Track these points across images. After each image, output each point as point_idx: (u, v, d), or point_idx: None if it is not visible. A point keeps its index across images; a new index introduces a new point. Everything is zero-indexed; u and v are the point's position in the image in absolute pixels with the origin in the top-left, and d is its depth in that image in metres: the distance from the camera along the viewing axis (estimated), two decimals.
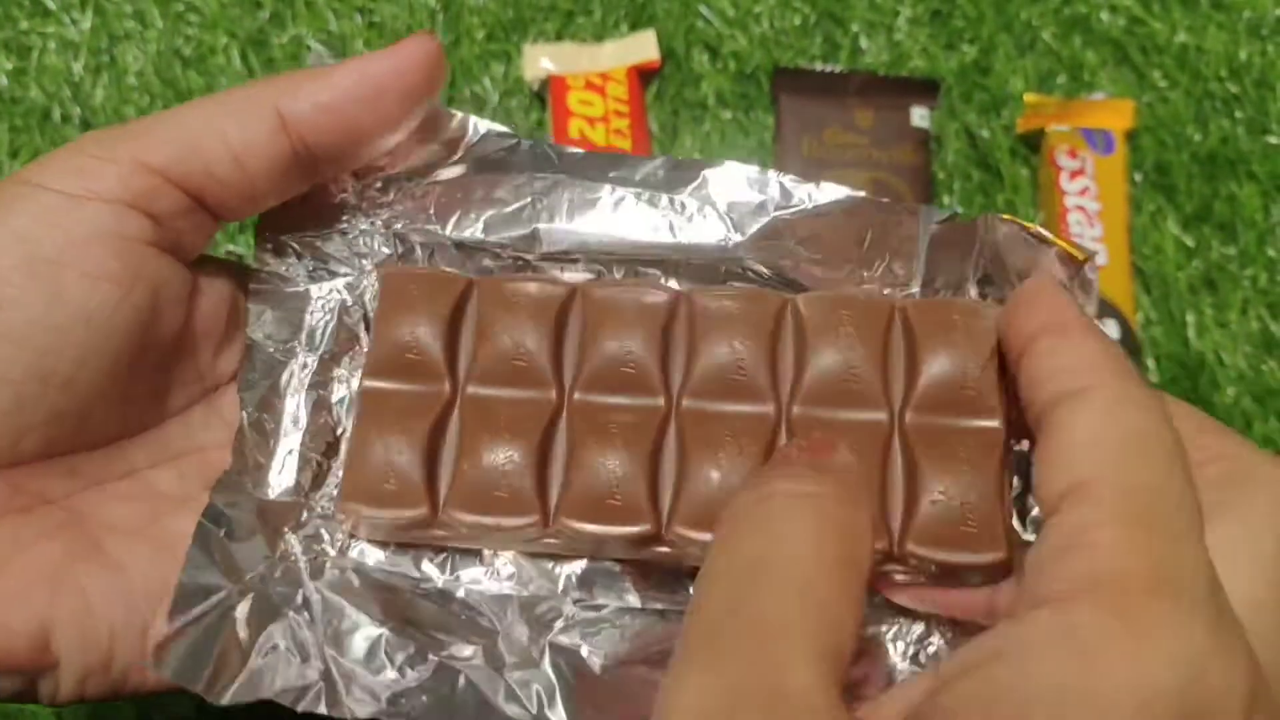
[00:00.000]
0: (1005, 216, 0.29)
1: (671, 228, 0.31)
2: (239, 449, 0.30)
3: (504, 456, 0.29)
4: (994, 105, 0.51)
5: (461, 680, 0.28)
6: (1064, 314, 0.26)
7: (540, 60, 0.50)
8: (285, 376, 0.31)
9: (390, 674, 0.28)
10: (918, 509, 0.28)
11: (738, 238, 0.31)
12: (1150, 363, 0.47)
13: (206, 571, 0.28)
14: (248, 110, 0.27)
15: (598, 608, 0.30)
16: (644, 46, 0.50)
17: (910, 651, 0.29)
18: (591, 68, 0.49)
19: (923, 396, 0.29)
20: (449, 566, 0.30)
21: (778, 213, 0.30)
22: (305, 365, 0.31)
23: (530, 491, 0.29)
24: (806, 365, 0.29)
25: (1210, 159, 0.49)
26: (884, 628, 0.30)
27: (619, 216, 0.31)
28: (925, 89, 0.50)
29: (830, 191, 0.30)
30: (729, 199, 0.31)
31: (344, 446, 0.31)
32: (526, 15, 0.51)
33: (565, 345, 0.30)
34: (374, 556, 0.30)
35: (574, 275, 0.32)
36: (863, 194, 0.30)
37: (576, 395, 0.30)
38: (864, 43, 0.52)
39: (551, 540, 0.29)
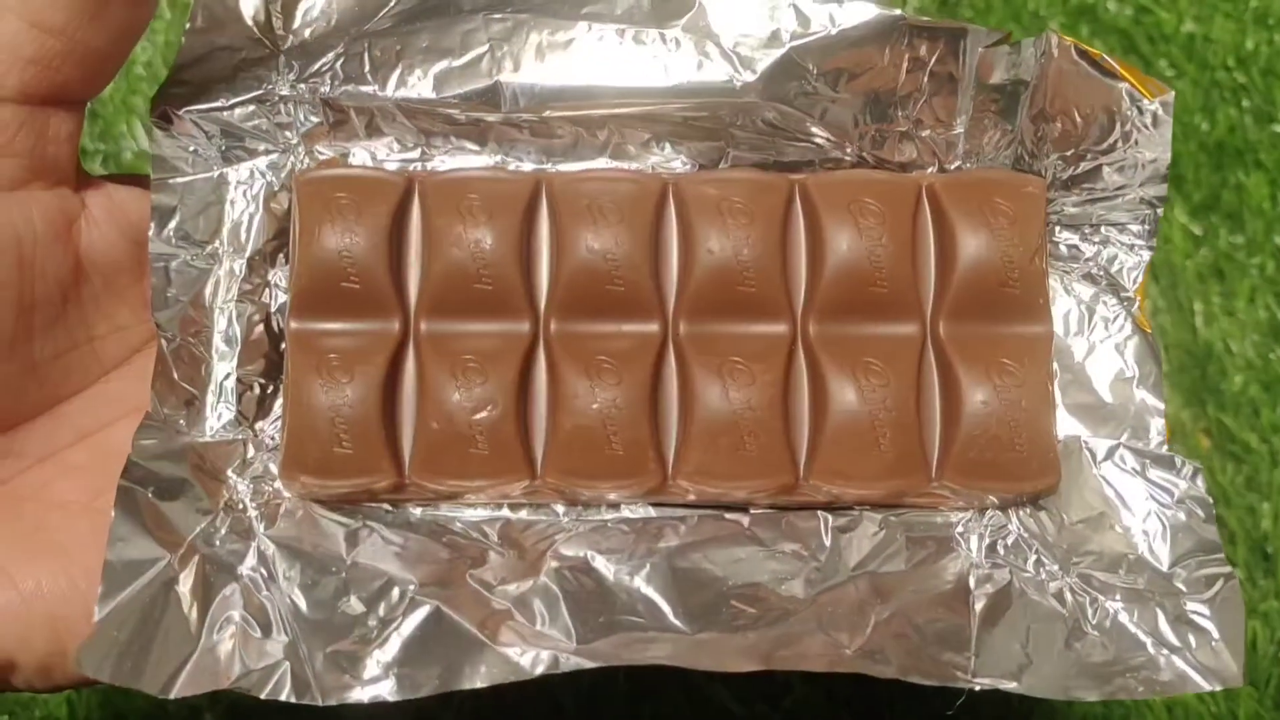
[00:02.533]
0: (1067, 40, 0.25)
1: (665, 70, 0.25)
2: (162, 385, 0.25)
3: (478, 405, 0.24)
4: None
5: (438, 614, 0.23)
6: None
7: None
8: (209, 288, 0.26)
9: (359, 631, 0.23)
10: (957, 434, 0.25)
11: (747, 77, 0.25)
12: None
13: (136, 542, 0.23)
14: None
15: (601, 521, 0.26)
16: None
17: (987, 543, 0.26)
18: None
19: (958, 299, 0.25)
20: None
21: (794, 43, 0.25)
22: (232, 271, 0.26)
23: (512, 444, 0.24)
24: (823, 269, 0.25)
25: (1218, 148, 0.49)
26: (953, 519, 0.26)
27: (599, 60, 0.25)
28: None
29: (856, 11, 0.25)
30: (733, 30, 0.25)
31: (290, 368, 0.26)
32: None
33: (535, 255, 0.25)
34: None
35: (547, 142, 0.26)
36: (896, 12, 0.25)
37: (554, 325, 0.25)
38: None
39: (538, 495, 0.26)
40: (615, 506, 0.26)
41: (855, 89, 0.26)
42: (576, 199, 0.25)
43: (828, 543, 0.25)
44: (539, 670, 0.22)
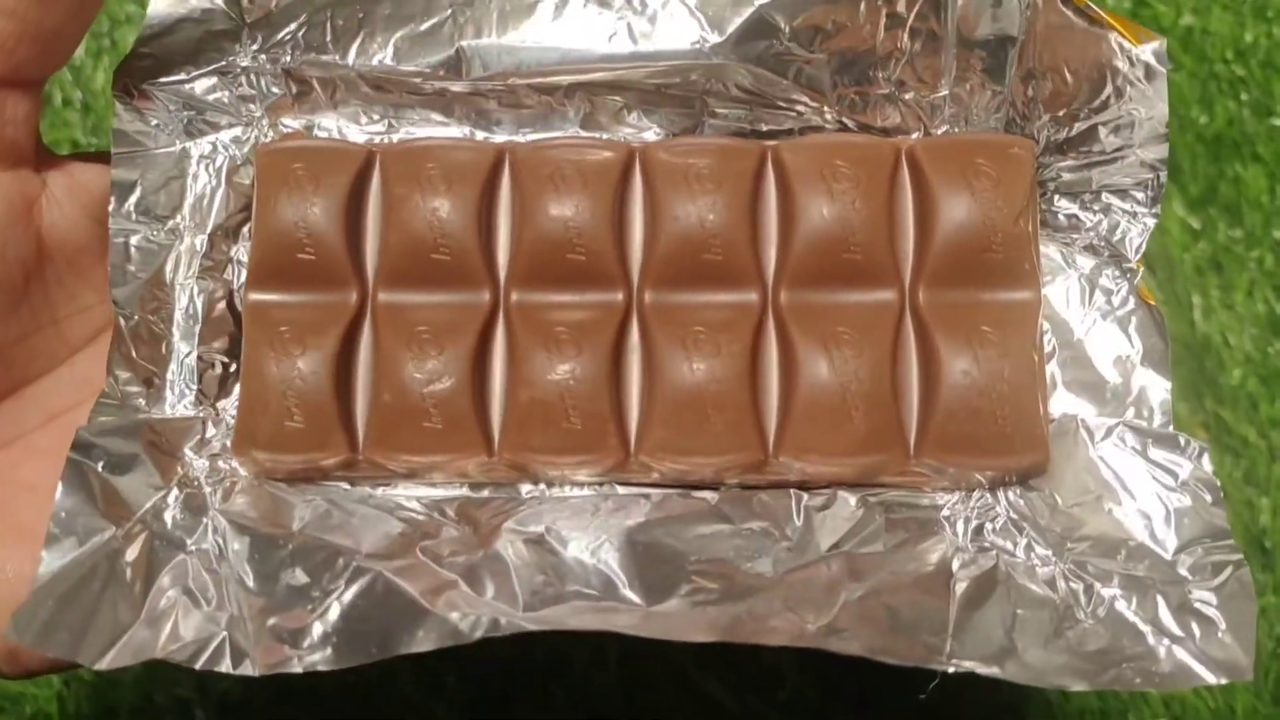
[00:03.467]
0: None
1: (631, 32, 0.25)
2: (120, 364, 0.25)
3: (431, 378, 0.24)
4: None
5: (381, 580, 0.23)
6: None
7: None
8: (170, 265, 0.26)
9: (302, 604, 0.23)
10: (937, 407, 0.23)
11: (715, 38, 0.24)
12: None
13: (82, 516, 0.23)
14: None
15: (564, 498, 0.25)
16: None
17: (973, 526, 0.25)
18: None
19: (938, 265, 0.24)
20: (375, 482, 0.26)
21: (762, 1, 0.24)
22: (194, 247, 0.26)
23: (468, 418, 0.24)
24: (795, 235, 0.24)
25: (1215, 141, 0.49)
26: (939, 501, 0.25)
27: (563, 24, 0.25)
28: None
29: None
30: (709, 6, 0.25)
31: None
32: None
33: (495, 226, 0.25)
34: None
35: (516, 113, 0.26)
36: None
37: (515, 295, 0.24)
38: None
39: (496, 473, 0.25)
40: (579, 485, 0.25)
41: (830, 48, 0.25)
42: (539, 167, 0.24)
43: (799, 522, 0.24)
44: (478, 634, 0.21)
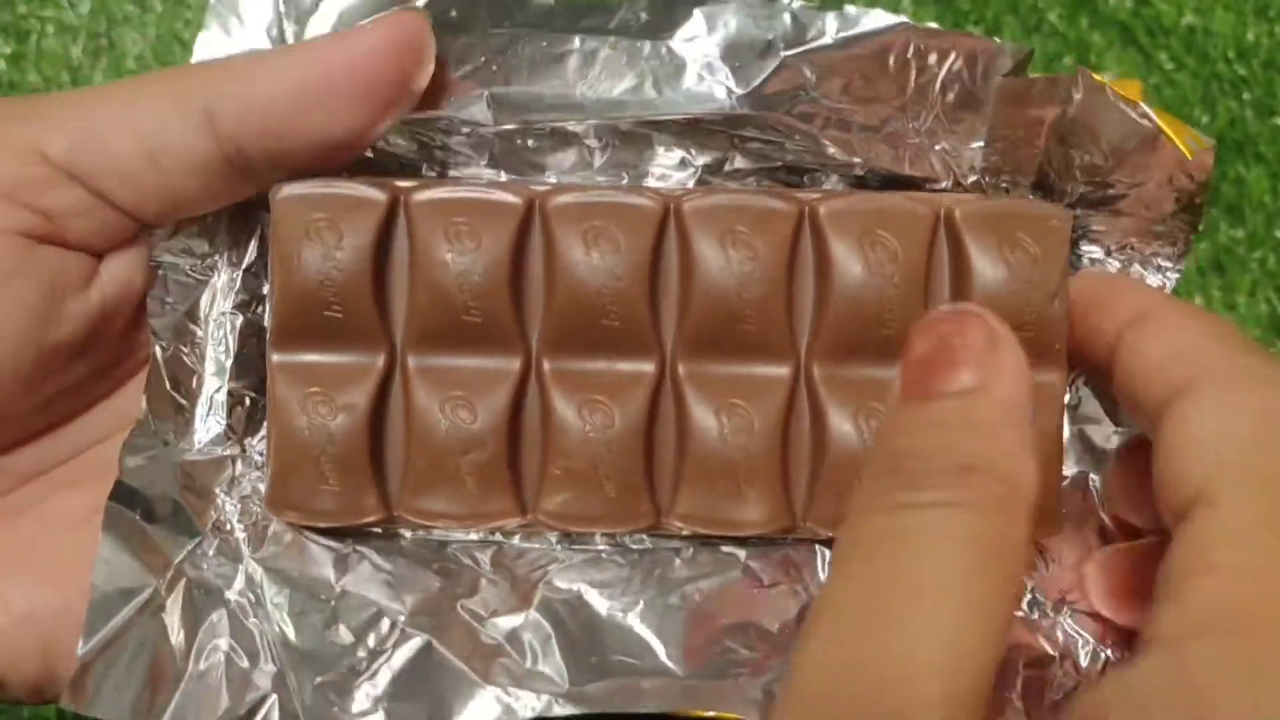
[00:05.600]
0: (1099, 79, 0.24)
1: (657, 83, 0.24)
2: (154, 393, 0.25)
3: (467, 444, 0.23)
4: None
5: (429, 649, 0.23)
6: (1147, 298, 0.22)
7: None
8: (205, 298, 0.25)
9: (347, 662, 0.23)
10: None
11: (740, 90, 0.24)
12: None
13: (123, 568, 0.23)
14: (169, 104, 0.22)
15: (596, 551, 0.25)
16: None
17: None
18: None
19: None
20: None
21: (788, 52, 0.24)
22: (230, 282, 0.25)
23: (502, 478, 0.24)
24: (830, 306, 0.23)
25: (1218, 141, 0.49)
26: None
27: (591, 74, 0.25)
28: None
29: (855, 19, 0.24)
30: (727, 39, 0.24)
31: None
32: None
33: (526, 282, 0.24)
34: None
35: (539, 157, 0.25)
36: (900, 20, 0.24)
37: (546, 362, 0.24)
38: None
39: (531, 531, 0.25)
40: (612, 538, 0.26)
41: (858, 99, 0.25)
42: (570, 223, 0.24)
43: (822, 577, 0.25)
44: (527, 715, 0.22)
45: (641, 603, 0.24)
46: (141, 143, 0.22)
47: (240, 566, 0.24)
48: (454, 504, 0.24)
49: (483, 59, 0.25)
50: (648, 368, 0.24)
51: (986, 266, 0.23)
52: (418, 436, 0.24)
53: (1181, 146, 0.23)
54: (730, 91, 0.24)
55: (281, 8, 0.25)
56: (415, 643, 0.23)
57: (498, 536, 0.26)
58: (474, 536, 0.25)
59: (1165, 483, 0.19)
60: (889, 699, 0.16)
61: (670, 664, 0.23)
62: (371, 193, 0.24)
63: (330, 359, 0.24)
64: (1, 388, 0.24)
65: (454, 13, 0.24)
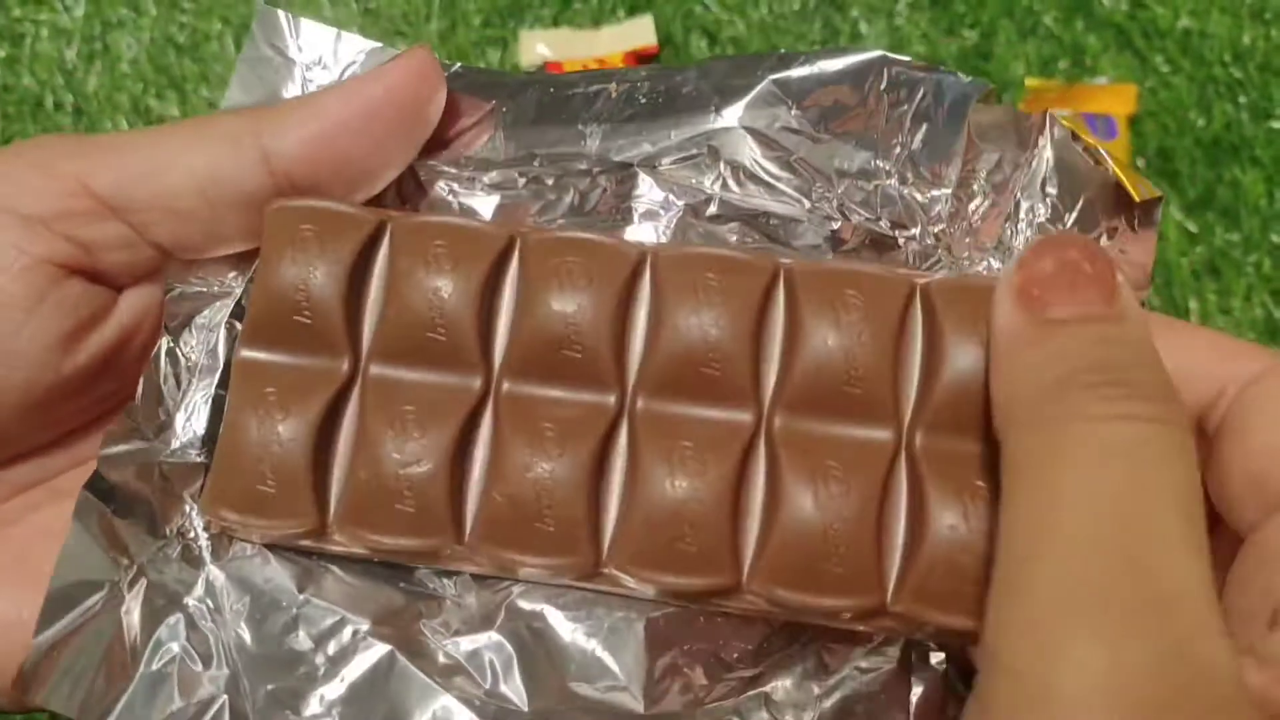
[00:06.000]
0: (1062, 119, 0.24)
1: (652, 110, 0.26)
2: (147, 385, 0.25)
3: (410, 459, 0.23)
4: (995, 90, 0.50)
5: (390, 658, 0.23)
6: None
7: (536, 46, 0.49)
8: (211, 308, 0.26)
9: (304, 668, 0.23)
10: (919, 557, 0.22)
11: (726, 109, 0.25)
12: None
13: (88, 560, 0.23)
14: (224, 141, 0.23)
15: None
16: (641, 32, 0.50)
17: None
18: (588, 53, 0.49)
19: (939, 409, 0.23)
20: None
21: (773, 76, 0.25)
22: (232, 290, 0.26)
23: (441, 506, 0.23)
24: (796, 361, 0.23)
25: (1213, 144, 0.49)
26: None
27: (593, 108, 0.26)
28: None
29: (840, 55, 0.25)
30: (716, 81, 0.26)
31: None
32: (523, 0, 0.51)
33: (496, 311, 0.24)
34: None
35: (536, 186, 0.26)
36: (879, 53, 0.25)
37: (506, 385, 0.24)
38: (864, 28, 0.51)
39: (468, 563, 0.24)
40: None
41: (835, 130, 0.25)
42: (546, 258, 0.24)
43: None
44: None
45: (605, 626, 0.24)
46: (193, 177, 0.23)
47: (201, 573, 0.24)
48: (391, 521, 0.23)
49: (493, 101, 0.26)
50: (608, 400, 0.24)
51: (958, 341, 0.23)
52: (364, 447, 0.23)
53: (1130, 188, 0.23)
54: (715, 106, 0.25)
55: (304, 76, 0.26)
56: (377, 651, 0.23)
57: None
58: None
59: (1235, 478, 0.20)
60: (1174, 610, 0.16)
61: (631, 690, 0.23)
62: (361, 213, 0.24)
63: (292, 361, 0.24)
64: (12, 413, 0.24)
65: (465, 79, 0.26)
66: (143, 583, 0.23)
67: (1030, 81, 0.50)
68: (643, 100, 0.26)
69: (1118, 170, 0.23)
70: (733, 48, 0.50)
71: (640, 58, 0.50)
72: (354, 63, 0.27)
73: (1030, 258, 0.20)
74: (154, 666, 0.22)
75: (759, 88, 0.25)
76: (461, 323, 0.23)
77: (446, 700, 0.22)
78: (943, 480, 0.22)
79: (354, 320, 0.24)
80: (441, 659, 0.23)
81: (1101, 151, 0.24)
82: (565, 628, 0.24)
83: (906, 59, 0.25)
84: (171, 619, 0.23)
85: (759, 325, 0.24)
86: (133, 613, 0.23)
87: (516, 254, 0.24)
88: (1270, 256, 0.47)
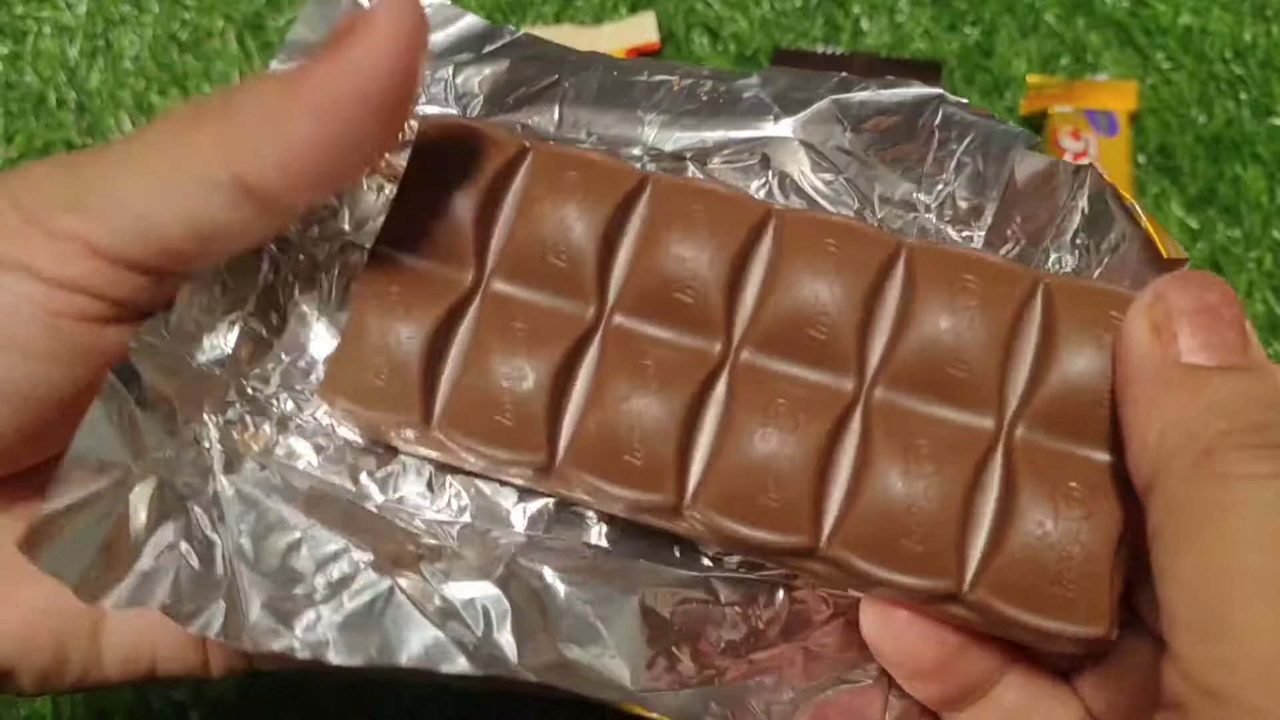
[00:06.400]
0: (1108, 180, 0.24)
1: (712, 108, 0.26)
2: (198, 285, 0.25)
3: (516, 375, 0.23)
4: (997, 87, 0.50)
5: (389, 592, 0.23)
6: None
7: None
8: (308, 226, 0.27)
9: (302, 588, 0.23)
10: (1003, 550, 0.22)
11: (785, 119, 0.26)
12: None
13: (106, 441, 0.23)
14: (210, 190, 0.22)
15: (564, 543, 0.25)
16: (643, 29, 0.50)
17: None
18: (590, 50, 0.49)
19: (1045, 406, 0.23)
20: (390, 485, 0.26)
21: (832, 96, 0.26)
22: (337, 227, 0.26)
23: (538, 423, 0.23)
24: (905, 337, 0.23)
25: (1215, 141, 0.49)
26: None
27: (654, 97, 0.27)
28: (927, 71, 0.49)
29: (901, 88, 0.26)
30: (777, 90, 0.26)
31: (293, 323, 0.26)
32: None
33: (619, 247, 0.24)
34: (304, 460, 0.26)
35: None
36: (937, 91, 0.26)
37: (617, 318, 0.24)
38: (865, 24, 0.51)
39: (553, 483, 0.25)
40: (585, 534, 0.26)
41: (884, 158, 0.26)
42: (673, 201, 0.24)
43: (775, 610, 0.25)
44: (476, 669, 0.22)
45: (602, 594, 0.24)
46: (187, 227, 0.23)
47: (210, 484, 0.24)
48: (489, 431, 0.24)
49: (556, 76, 0.27)
50: (712, 347, 0.24)
51: (1076, 340, 0.22)
52: (474, 358, 0.24)
53: (1161, 245, 0.24)
54: (776, 118, 0.26)
55: None
56: (377, 584, 0.23)
57: (466, 517, 0.26)
58: (445, 515, 0.26)
59: None
60: None
61: (620, 659, 0.23)
62: (506, 136, 0.25)
63: (420, 265, 0.25)
64: (39, 447, 0.24)
65: (531, 50, 0.27)
66: (153, 478, 0.23)
67: (1032, 78, 0.50)
68: (704, 97, 0.26)
69: (1149, 227, 0.23)
70: (734, 44, 0.50)
71: (642, 55, 0.50)
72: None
73: (1168, 290, 0.21)
74: (155, 559, 0.23)
75: (819, 104, 0.26)
76: (583, 252, 0.24)
77: (440, 639, 0.22)
78: (1038, 477, 0.22)
79: (483, 237, 0.25)
80: (438, 601, 0.23)
81: (1137, 207, 0.24)
82: (563, 589, 0.24)
83: (963, 101, 0.25)
84: (177, 517, 0.23)
85: (872, 296, 0.24)
86: (140, 502, 0.23)
87: (646, 194, 0.24)
88: (1271, 253, 0.47)
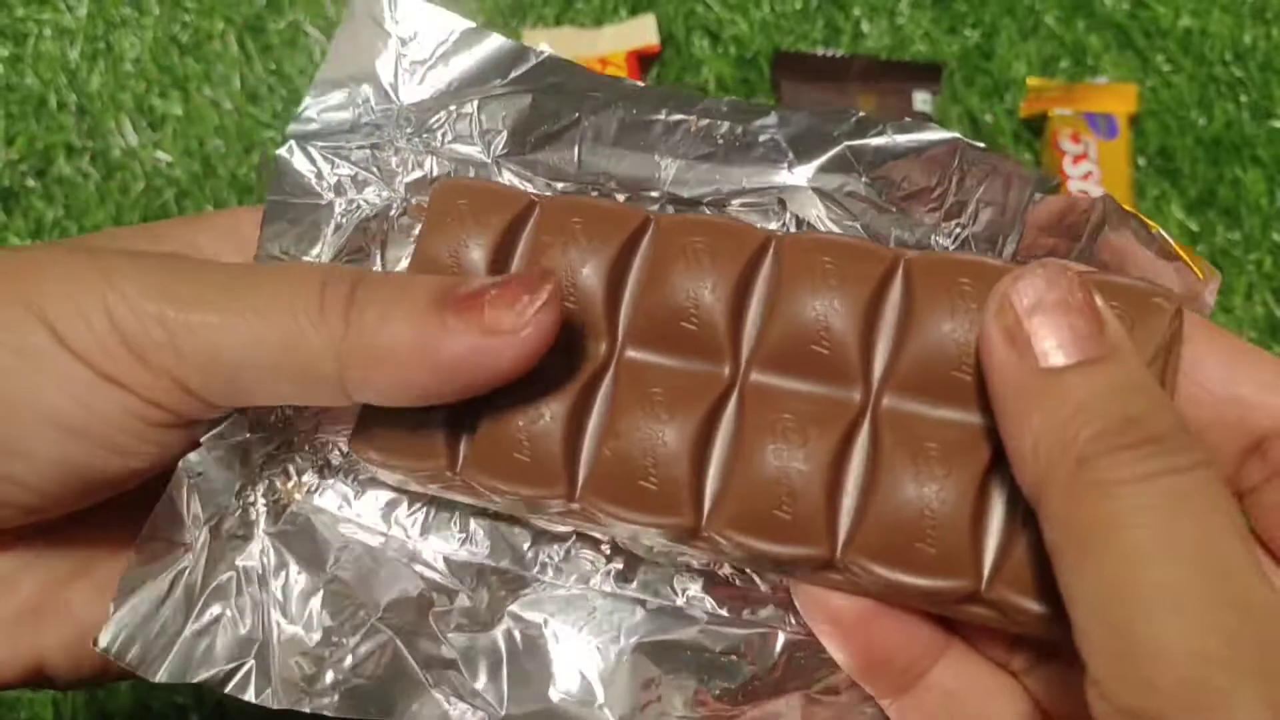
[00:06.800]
0: (1126, 208, 0.25)
1: (726, 153, 0.27)
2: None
3: (533, 414, 0.24)
4: (996, 89, 0.50)
5: (394, 649, 0.25)
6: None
7: (539, 45, 0.49)
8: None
9: (320, 647, 0.25)
10: (1017, 546, 0.22)
11: (799, 166, 0.26)
12: None
13: (174, 522, 0.25)
14: (306, 374, 0.23)
15: (565, 590, 0.27)
16: (644, 31, 0.50)
17: None
18: (591, 52, 0.49)
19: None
20: (421, 526, 0.27)
21: (848, 142, 0.26)
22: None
23: (556, 459, 0.24)
24: (908, 344, 0.24)
25: (1214, 143, 0.49)
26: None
27: (670, 140, 0.27)
28: (927, 73, 0.49)
29: (916, 132, 0.26)
30: (795, 132, 0.27)
31: None
32: None
33: (624, 286, 0.25)
34: (336, 501, 0.27)
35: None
36: (953, 135, 0.26)
37: (627, 351, 0.25)
38: (866, 27, 0.51)
39: (574, 517, 0.25)
40: (586, 580, 0.27)
41: (901, 202, 0.26)
42: (675, 236, 0.25)
43: (774, 659, 0.26)
44: None
45: (595, 645, 0.25)
46: (276, 399, 0.24)
47: (254, 539, 0.26)
48: (508, 469, 0.24)
49: (576, 114, 0.27)
50: (720, 371, 0.25)
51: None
52: (493, 404, 0.24)
53: (1195, 269, 0.24)
54: (790, 166, 0.26)
55: (399, 51, 0.28)
56: (380, 640, 0.25)
57: (485, 559, 0.27)
58: (463, 555, 0.27)
59: None
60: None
61: (609, 710, 0.25)
62: (514, 191, 0.26)
63: None
64: (82, 505, 0.25)
65: (554, 78, 0.27)
66: (205, 544, 0.25)
67: (1032, 81, 0.50)
68: (720, 140, 0.27)
69: (1181, 253, 0.23)
70: (734, 46, 0.50)
71: (642, 57, 0.50)
72: (445, 40, 0.28)
73: (1011, 293, 0.21)
74: (203, 622, 0.25)
75: (834, 152, 0.26)
76: (591, 293, 0.25)
77: (433, 697, 0.24)
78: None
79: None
80: (440, 651, 0.25)
81: (1164, 235, 0.24)
82: (557, 641, 0.25)
83: (981, 145, 0.26)
84: (223, 578, 0.25)
85: (873, 308, 0.24)
86: (192, 571, 0.25)
87: (650, 233, 0.25)
88: (1271, 255, 0.48)
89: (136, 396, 0.23)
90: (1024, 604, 0.22)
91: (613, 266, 0.25)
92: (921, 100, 0.49)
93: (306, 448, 0.27)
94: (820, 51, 0.50)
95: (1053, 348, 0.20)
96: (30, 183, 0.48)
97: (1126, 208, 0.24)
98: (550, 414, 0.24)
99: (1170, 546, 0.18)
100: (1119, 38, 0.51)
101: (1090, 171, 0.48)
